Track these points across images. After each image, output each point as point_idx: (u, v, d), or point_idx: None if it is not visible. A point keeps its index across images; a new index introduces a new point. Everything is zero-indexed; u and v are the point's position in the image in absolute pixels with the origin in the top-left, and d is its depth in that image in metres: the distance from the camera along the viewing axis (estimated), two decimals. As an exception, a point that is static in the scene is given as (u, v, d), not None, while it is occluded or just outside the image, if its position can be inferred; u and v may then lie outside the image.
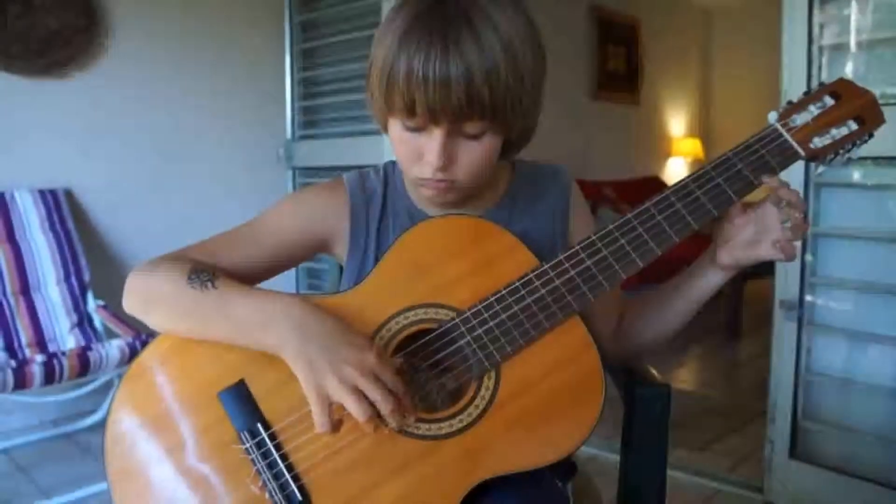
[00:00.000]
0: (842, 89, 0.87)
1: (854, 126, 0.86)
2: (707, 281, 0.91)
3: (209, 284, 0.82)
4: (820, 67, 1.87)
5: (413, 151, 0.85)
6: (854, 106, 0.86)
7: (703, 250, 0.92)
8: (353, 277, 0.95)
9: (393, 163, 1.01)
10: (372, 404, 0.75)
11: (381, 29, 0.84)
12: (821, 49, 1.86)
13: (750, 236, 0.86)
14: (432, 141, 0.82)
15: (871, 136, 0.87)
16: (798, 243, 0.84)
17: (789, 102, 0.88)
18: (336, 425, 0.77)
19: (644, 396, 0.94)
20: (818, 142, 0.86)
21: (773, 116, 0.87)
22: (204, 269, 0.84)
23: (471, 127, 0.82)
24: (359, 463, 0.78)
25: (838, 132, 0.86)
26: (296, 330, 0.77)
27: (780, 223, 0.83)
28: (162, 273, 0.84)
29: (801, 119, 0.86)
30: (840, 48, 1.86)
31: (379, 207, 0.96)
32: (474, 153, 0.84)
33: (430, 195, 0.89)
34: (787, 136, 0.85)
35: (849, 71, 1.86)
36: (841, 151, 0.86)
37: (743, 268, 0.88)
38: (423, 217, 0.93)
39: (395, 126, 0.86)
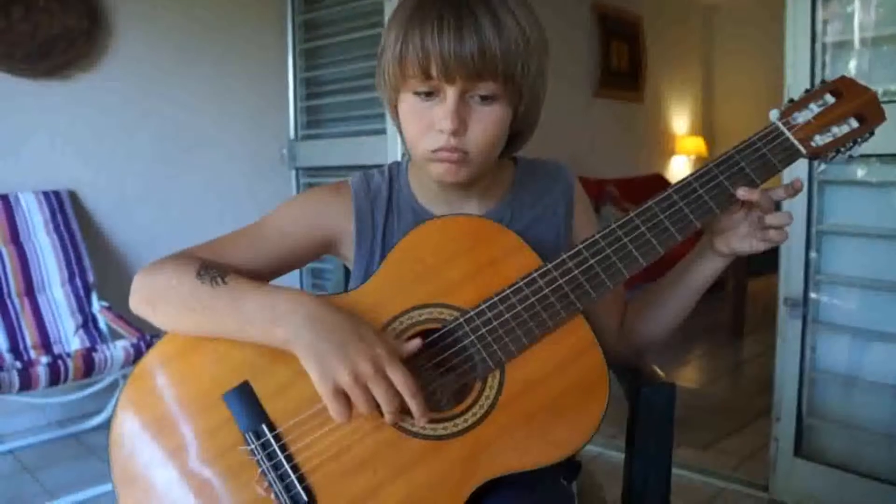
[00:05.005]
0: (843, 87, 0.87)
1: (855, 124, 0.86)
2: (706, 267, 0.93)
3: (219, 280, 0.83)
4: (823, 64, 1.86)
5: (425, 123, 0.86)
6: (855, 104, 0.86)
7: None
8: (361, 278, 0.95)
9: (398, 163, 1.01)
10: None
11: (393, 13, 0.88)
12: (824, 46, 1.85)
13: (745, 231, 0.87)
14: (445, 105, 0.83)
15: (872, 133, 0.87)
16: (791, 231, 0.87)
17: (790, 100, 0.88)
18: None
19: (649, 395, 0.94)
20: (819, 140, 0.86)
21: (774, 114, 0.87)
22: (212, 266, 0.85)
23: (483, 88, 0.83)
24: (364, 463, 0.78)
25: (839, 130, 0.86)
26: (308, 324, 0.78)
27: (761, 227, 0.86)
28: (170, 270, 0.85)
29: (802, 117, 0.86)
30: (843, 45, 1.85)
31: (384, 208, 0.97)
32: (486, 120, 0.85)
33: (441, 172, 0.87)
34: (788, 134, 0.86)
35: (852, 68, 1.85)
36: (842, 149, 0.87)
37: (739, 255, 0.90)
38: (429, 217, 0.93)
39: (407, 99, 0.87)
